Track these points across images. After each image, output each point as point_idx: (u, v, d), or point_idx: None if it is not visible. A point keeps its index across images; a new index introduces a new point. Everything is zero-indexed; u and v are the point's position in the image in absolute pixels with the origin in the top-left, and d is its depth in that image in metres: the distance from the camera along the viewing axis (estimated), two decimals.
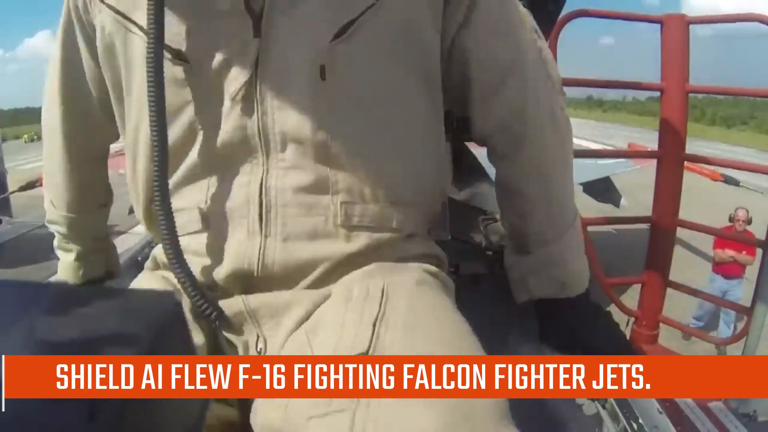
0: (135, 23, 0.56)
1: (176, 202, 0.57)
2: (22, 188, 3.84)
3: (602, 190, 5.25)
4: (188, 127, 0.57)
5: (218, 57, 0.55)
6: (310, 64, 0.55)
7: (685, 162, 1.81)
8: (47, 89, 0.75)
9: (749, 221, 3.75)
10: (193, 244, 0.59)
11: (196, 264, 0.59)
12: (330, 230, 0.57)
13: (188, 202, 0.59)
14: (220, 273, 0.58)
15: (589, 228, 1.74)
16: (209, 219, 0.59)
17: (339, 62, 0.55)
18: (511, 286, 0.75)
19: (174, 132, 0.57)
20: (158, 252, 0.68)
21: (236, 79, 0.55)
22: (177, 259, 0.55)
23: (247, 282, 0.58)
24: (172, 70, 0.55)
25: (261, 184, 0.57)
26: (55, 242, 0.87)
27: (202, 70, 0.56)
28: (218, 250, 0.58)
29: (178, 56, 0.55)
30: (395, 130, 0.60)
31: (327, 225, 0.57)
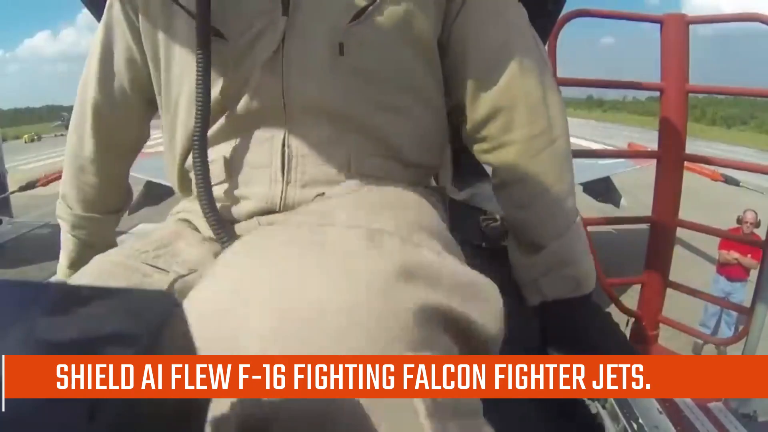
0: (178, 3, 0.63)
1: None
2: (22, 188, 3.85)
3: (602, 190, 5.25)
4: (222, 91, 0.64)
5: (250, 32, 0.62)
6: (331, 41, 0.62)
7: (685, 162, 1.81)
8: (83, 77, 0.78)
9: (758, 224, 3.59)
10: (217, 191, 0.64)
11: (221, 209, 0.64)
12: (342, 178, 0.64)
13: (216, 155, 0.65)
14: (242, 212, 0.65)
15: (589, 228, 1.74)
16: (232, 169, 0.65)
17: (355, 41, 0.62)
18: (522, 289, 0.75)
19: (219, 90, 0.64)
20: (177, 208, 0.75)
21: (265, 50, 0.61)
22: (204, 186, 0.61)
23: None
24: (212, 46, 0.62)
25: (283, 140, 0.63)
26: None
27: (236, 44, 0.62)
28: (241, 196, 0.65)
29: (216, 33, 0.62)
30: (402, 99, 0.67)
31: (340, 174, 0.64)
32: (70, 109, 0.80)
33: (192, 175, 0.72)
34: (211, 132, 0.65)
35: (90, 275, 0.57)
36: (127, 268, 0.57)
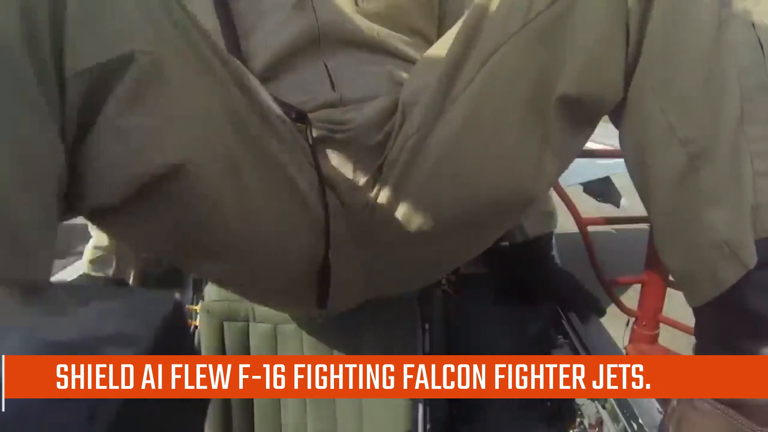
0: None
1: None
2: None
3: (602, 190, 5.22)
4: (256, 38, 0.68)
5: None
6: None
7: None
8: None
9: None
10: None
11: None
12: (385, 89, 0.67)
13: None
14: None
15: (589, 228, 1.73)
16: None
17: (362, 22, 0.68)
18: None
19: (250, 43, 0.68)
20: None
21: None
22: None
23: None
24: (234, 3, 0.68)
25: (324, 66, 0.66)
26: None
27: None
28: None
29: None
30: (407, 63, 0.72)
31: (382, 86, 0.67)
32: None
33: None
34: (259, 73, 0.67)
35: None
36: None
